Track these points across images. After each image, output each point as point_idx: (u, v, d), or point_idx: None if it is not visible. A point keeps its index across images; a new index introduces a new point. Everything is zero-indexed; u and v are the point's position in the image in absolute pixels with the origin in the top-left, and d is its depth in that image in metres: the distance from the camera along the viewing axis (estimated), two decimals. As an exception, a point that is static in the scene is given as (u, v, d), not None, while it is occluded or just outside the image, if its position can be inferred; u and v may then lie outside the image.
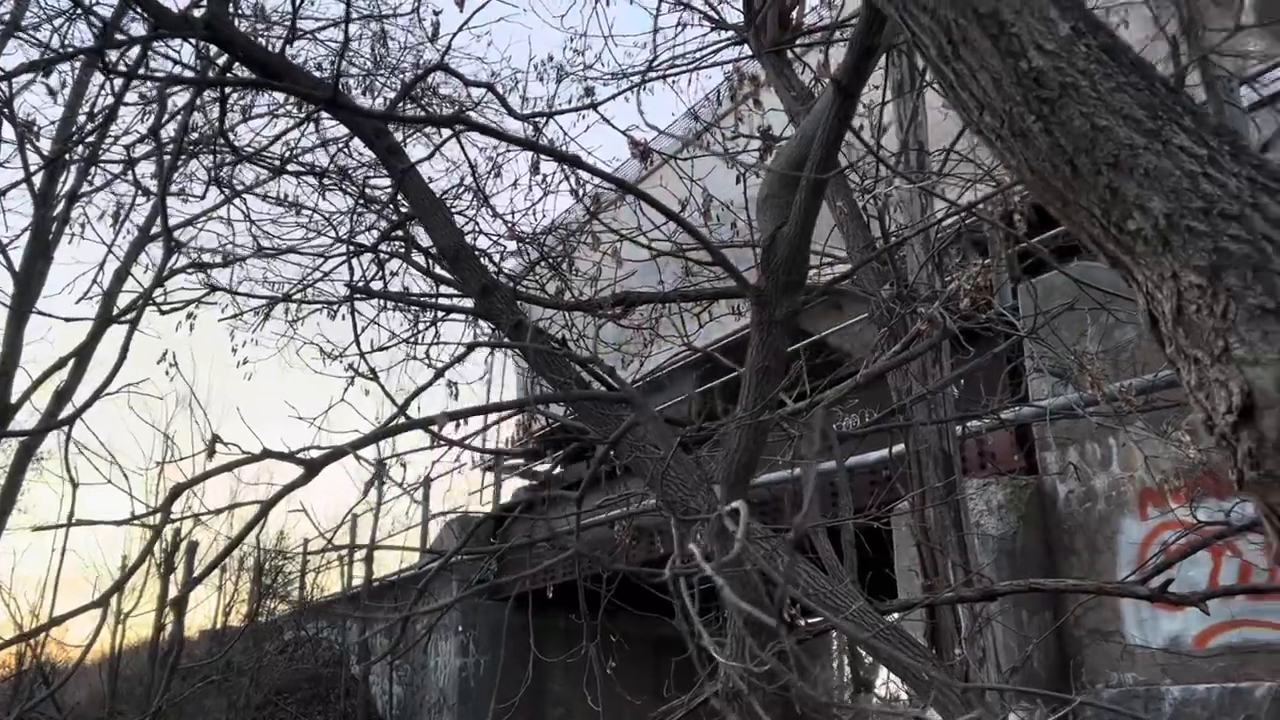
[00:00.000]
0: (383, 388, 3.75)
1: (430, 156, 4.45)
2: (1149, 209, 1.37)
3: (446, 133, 4.19)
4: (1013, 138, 1.45)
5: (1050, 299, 4.78)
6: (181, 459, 4.92)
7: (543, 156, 5.03)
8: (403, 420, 2.42)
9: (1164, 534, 5.14)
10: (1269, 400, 1.30)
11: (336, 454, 2.11)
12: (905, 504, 4.72)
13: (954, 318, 4.18)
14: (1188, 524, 3.87)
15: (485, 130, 3.17)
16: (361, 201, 5.17)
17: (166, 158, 4.09)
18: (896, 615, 4.01)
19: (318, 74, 4.93)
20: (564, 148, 4.90)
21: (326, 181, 5.55)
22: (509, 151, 5.32)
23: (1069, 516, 5.89)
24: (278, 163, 5.58)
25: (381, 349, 4.22)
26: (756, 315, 2.41)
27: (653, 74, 4.47)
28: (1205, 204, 1.34)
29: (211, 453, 2.36)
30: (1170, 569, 3.31)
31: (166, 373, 6.19)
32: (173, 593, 10.66)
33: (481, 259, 4.03)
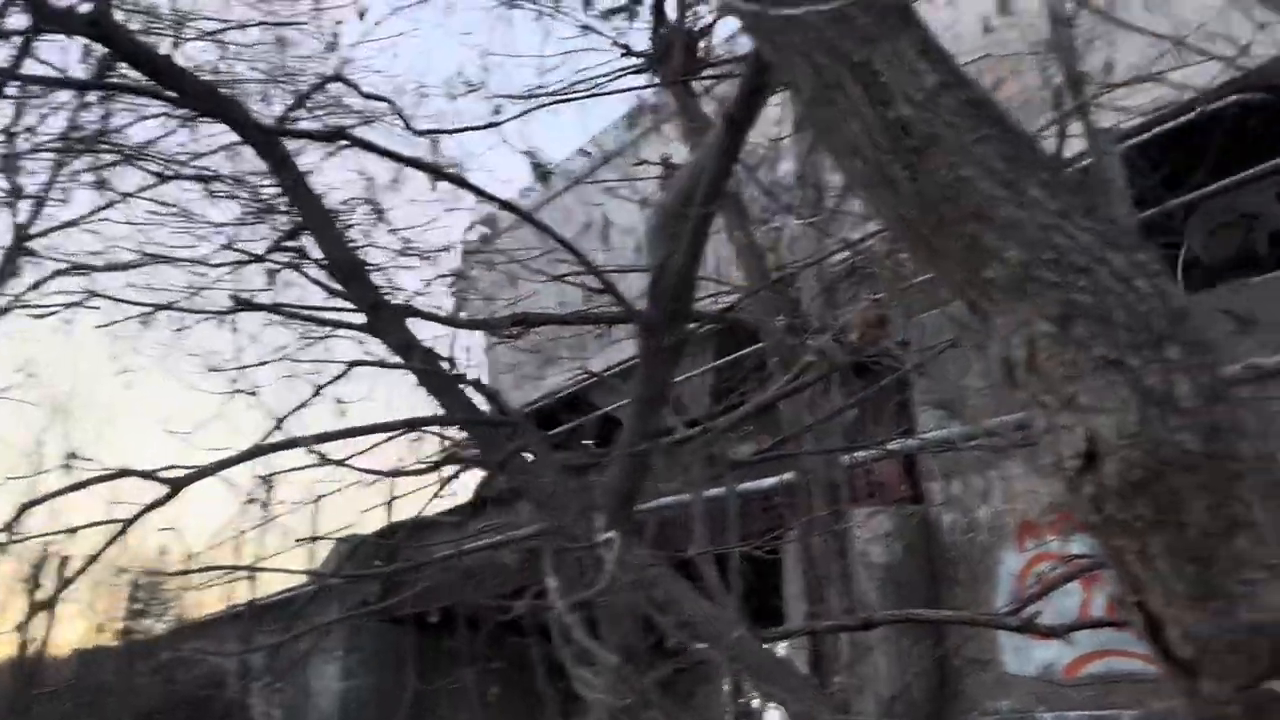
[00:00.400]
0: (262, 403, 3.64)
1: (311, 172, 4.36)
2: (1006, 258, 1.41)
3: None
4: (881, 185, 1.49)
5: (940, 334, 4.93)
6: (39, 474, 4.66)
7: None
8: (277, 439, 2.35)
9: (1040, 565, 5.32)
10: (1110, 448, 1.36)
11: (201, 473, 2.04)
12: (794, 532, 4.79)
13: (844, 351, 4.27)
14: (1061, 556, 4.01)
15: (367, 146, 3.12)
16: (252, 210, 5.05)
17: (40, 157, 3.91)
18: (779, 642, 4.05)
19: (211, 78, 4.79)
20: (466, 166, 4.86)
21: (216, 188, 5.40)
22: (409, 166, 5.25)
23: (952, 546, 6.05)
24: (164, 167, 5.41)
25: (262, 364, 4.11)
26: (643, 344, 2.43)
27: (555, 97, 4.48)
28: (1057, 256, 1.40)
29: (69, 468, 2.26)
30: (1041, 600, 3.42)
31: (30, 378, 5.89)
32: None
33: (375, 274, 3.96)
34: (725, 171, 2.31)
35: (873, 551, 6.09)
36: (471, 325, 3.79)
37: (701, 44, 5.44)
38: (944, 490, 6.04)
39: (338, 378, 3.07)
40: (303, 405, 2.87)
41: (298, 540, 12.53)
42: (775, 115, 4.49)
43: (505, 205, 2.68)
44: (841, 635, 3.97)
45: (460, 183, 3.39)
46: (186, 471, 2.03)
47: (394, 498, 13.69)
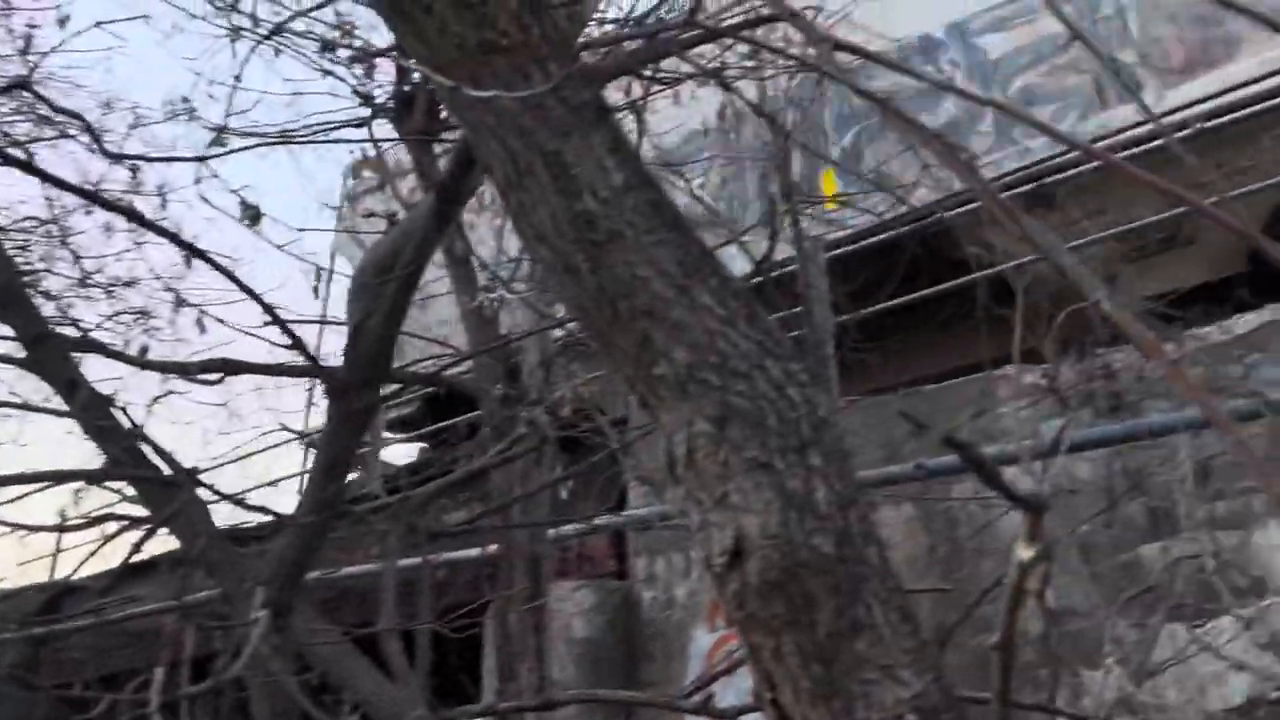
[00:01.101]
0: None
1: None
2: (673, 358, 1.46)
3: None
4: (565, 273, 1.51)
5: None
6: None
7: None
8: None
9: (727, 645, 5.53)
10: (754, 546, 1.42)
11: None
12: (492, 606, 4.72)
13: (556, 424, 4.28)
14: (743, 638, 4.17)
15: (23, 167, 2.82)
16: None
17: None
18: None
19: None
20: (169, 198, 4.50)
21: None
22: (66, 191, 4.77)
23: (651, 623, 6.19)
24: None
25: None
26: (332, 405, 2.32)
27: (279, 138, 4.30)
28: (721, 360, 1.46)
29: None
30: (724, 680, 3.53)
31: None
32: None
33: (50, 303, 3.57)
34: (431, 240, 2.28)
35: (575, 626, 6.12)
36: (158, 366, 3.48)
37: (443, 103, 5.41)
38: (648, 566, 6.19)
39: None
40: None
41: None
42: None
43: (187, 248, 2.50)
44: (526, 715, 3.93)
45: (137, 219, 3.14)
46: None
47: (58, 552, 12.25)
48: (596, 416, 4.21)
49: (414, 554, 3.81)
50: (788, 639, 1.41)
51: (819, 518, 1.42)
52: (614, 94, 4.78)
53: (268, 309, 2.41)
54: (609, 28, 4.29)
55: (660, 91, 4.90)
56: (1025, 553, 1.06)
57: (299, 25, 4.55)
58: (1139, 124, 5.07)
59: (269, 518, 3.16)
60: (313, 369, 2.39)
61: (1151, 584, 3.93)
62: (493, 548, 4.77)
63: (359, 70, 4.54)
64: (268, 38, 3.74)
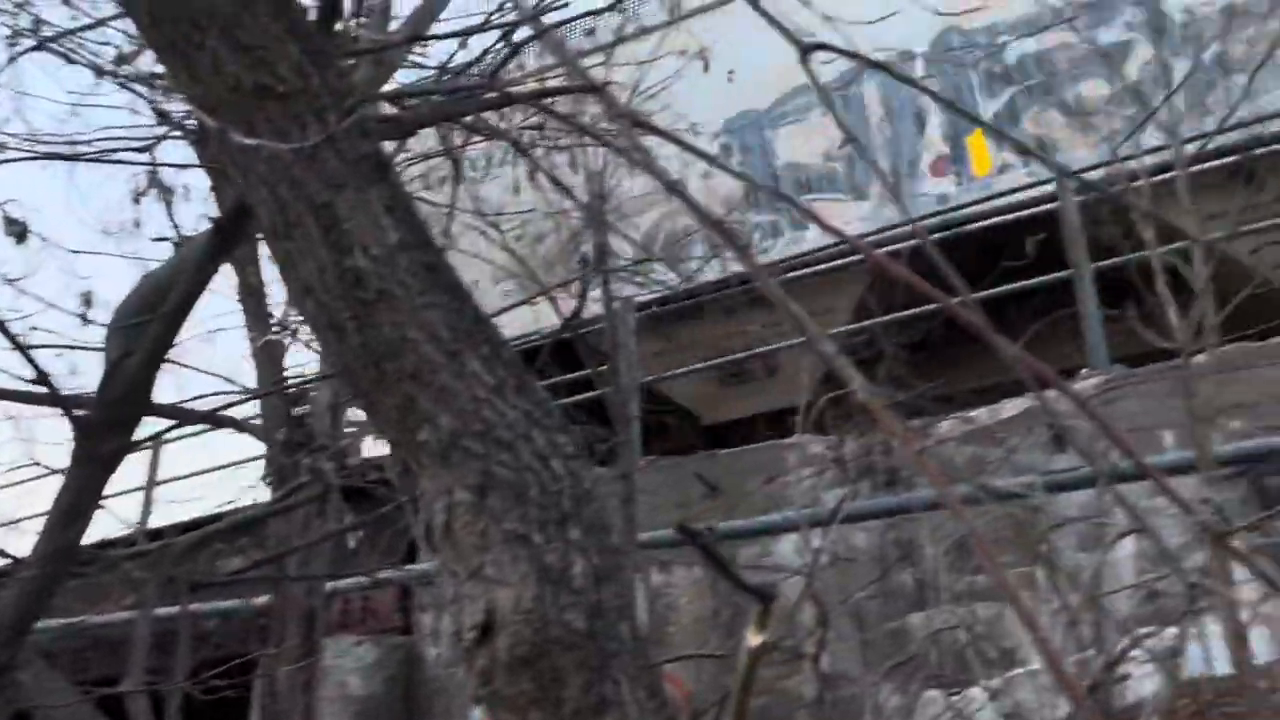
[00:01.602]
0: None
1: None
2: (438, 424, 1.43)
3: None
4: (329, 329, 1.46)
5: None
6: None
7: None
8: None
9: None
10: (505, 621, 1.40)
11: None
12: (261, 661, 4.45)
13: (342, 473, 4.12)
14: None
15: None
16: None
17: None
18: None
19: None
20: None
21: None
22: None
23: (434, 680, 6.00)
24: None
25: None
26: (78, 446, 2.14)
27: (52, 153, 3.99)
28: (485, 429, 1.44)
29: None
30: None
31: None
32: None
33: None
34: (204, 278, 2.16)
35: (353, 683, 5.85)
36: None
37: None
38: (433, 622, 6.01)
39: None
40: None
41: None
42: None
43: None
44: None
45: None
46: None
47: None
48: (386, 466, 4.09)
49: (174, 604, 3.56)
50: (534, 716, 1.39)
51: (574, 592, 1.42)
52: (431, 142, 4.73)
53: (8, 335, 2.20)
54: (429, 74, 4.25)
55: (477, 142, 4.88)
56: (755, 640, 1.09)
57: (94, 35, 4.28)
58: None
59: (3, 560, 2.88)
60: (56, 402, 2.19)
61: (913, 653, 4.13)
62: (264, 600, 4.51)
63: (157, 86, 4.30)
64: (50, 41, 3.49)
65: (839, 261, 5.99)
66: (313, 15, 1.90)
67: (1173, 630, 3.79)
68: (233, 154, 1.45)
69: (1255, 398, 4.53)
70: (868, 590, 5.03)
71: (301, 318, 4.29)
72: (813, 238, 6.45)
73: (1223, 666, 3.43)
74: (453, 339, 1.45)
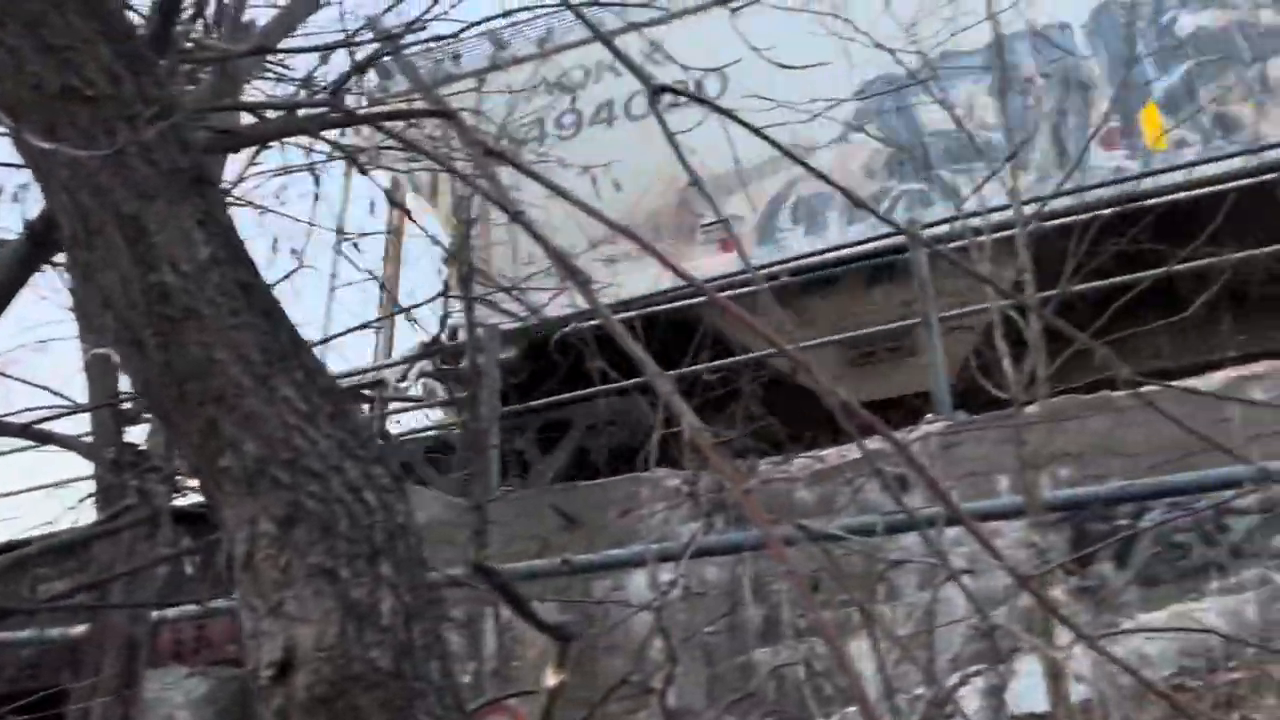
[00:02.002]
0: None
1: None
2: (242, 450, 1.37)
3: None
4: (130, 345, 1.38)
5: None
6: None
7: None
8: None
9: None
10: (305, 659, 1.34)
11: None
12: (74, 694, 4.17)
13: (174, 495, 3.94)
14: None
15: None
16: None
17: None
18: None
19: None
20: None
21: None
22: None
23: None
24: None
25: None
26: None
27: None
28: (294, 457, 1.38)
29: None
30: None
31: None
32: None
33: None
34: (16, 285, 2.03)
35: (180, 717, 5.55)
36: None
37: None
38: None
39: None
40: None
41: None
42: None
43: None
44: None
45: None
46: None
47: None
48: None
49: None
50: (331, 759, 1.34)
51: (381, 630, 1.37)
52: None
53: None
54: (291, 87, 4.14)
55: (336, 156, 4.77)
56: (553, 679, 1.07)
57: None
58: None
59: None
60: None
61: (754, 688, 4.18)
62: (80, 629, 4.24)
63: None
64: None
65: (999, 234, 5.56)
66: (147, 20, 1.83)
67: (1000, 668, 3.96)
68: (34, 156, 1.37)
69: (1081, 447, 4.79)
70: (717, 625, 5.07)
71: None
72: (969, 208, 6.04)
73: (1042, 704, 3.58)
74: (264, 362, 1.39)
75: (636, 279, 6.16)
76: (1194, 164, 5.92)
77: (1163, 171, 5.98)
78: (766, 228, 6.68)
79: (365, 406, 7.23)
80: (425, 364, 7.01)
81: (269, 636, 1.35)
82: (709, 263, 6.10)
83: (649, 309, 5.86)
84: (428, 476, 6.59)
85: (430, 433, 7.14)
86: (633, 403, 6.39)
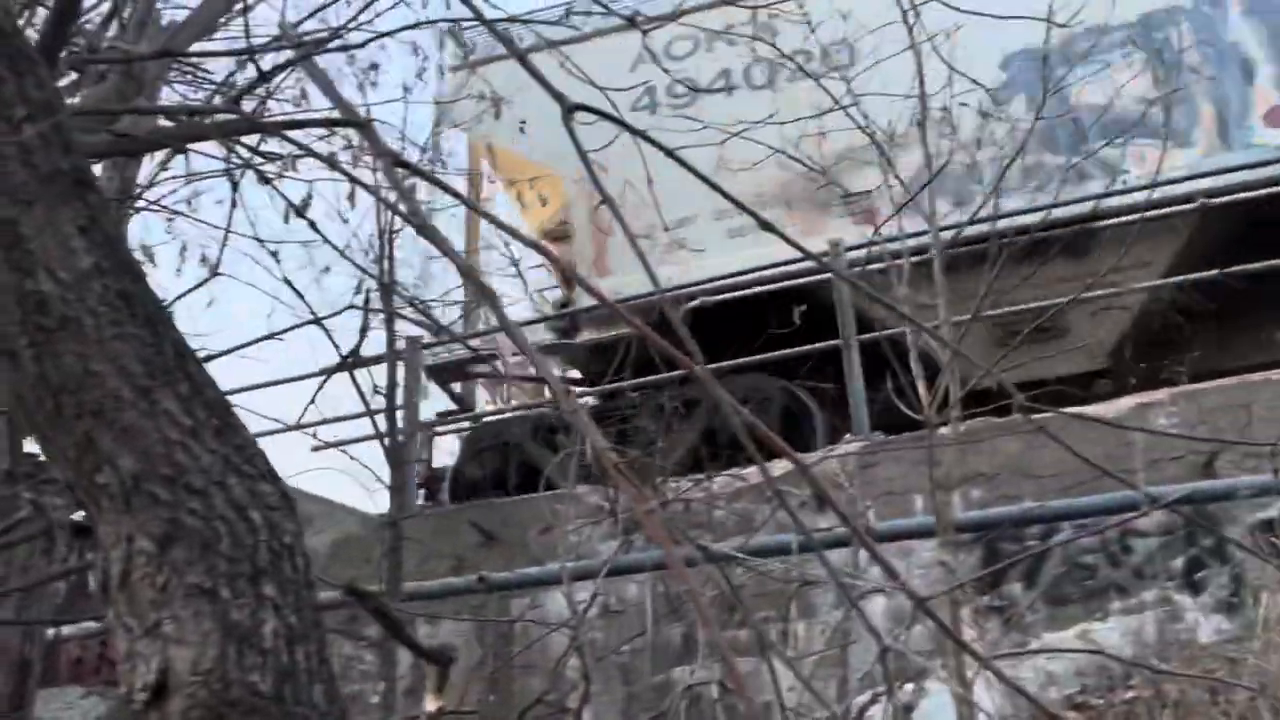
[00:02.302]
0: None
1: None
2: (120, 466, 1.32)
3: None
4: (3, 354, 1.33)
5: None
6: None
7: None
8: None
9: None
10: (181, 683, 1.29)
11: None
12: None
13: (71, 508, 3.81)
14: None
15: None
16: None
17: None
18: None
19: None
20: None
21: None
22: None
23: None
24: None
25: None
26: None
27: None
28: (174, 473, 1.34)
29: None
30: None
31: None
32: None
33: None
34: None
35: (77, 739, 5.35)
36: None
37: None
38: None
39: None
40: None
41: None
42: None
43: None
44: None
45: None
46: None
47: None
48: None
49: None
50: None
51: (262, 652, 1.33)
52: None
53: None
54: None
55: (262, 164, 4.68)
56: (432, 705, 1.05)
57: None
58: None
59: None
60: None
61: (666, 708, 4.18)
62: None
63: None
64: None
65: (1159, 212, 5.31)
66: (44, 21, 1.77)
67: (910, 686, 4.01)
68: (-99, 158, 1.31)
69: (993, 468, 4.90)
70: (635, 643, 5.06)
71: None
72: (1131, 180, 5.70)
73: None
74: (145, 374, 1.35)
75: (762, 252, 6.06)
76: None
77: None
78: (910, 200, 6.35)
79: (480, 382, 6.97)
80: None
81: (144, 658, 1.30)
82: (847, 235, 5.87)
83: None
84: (537, 455, 6.32)
85: (537, 410, 6.75)
86: (764, 381, 6.27)
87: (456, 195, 1.89)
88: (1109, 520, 3.89)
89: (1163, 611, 4.42)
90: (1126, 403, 4.84)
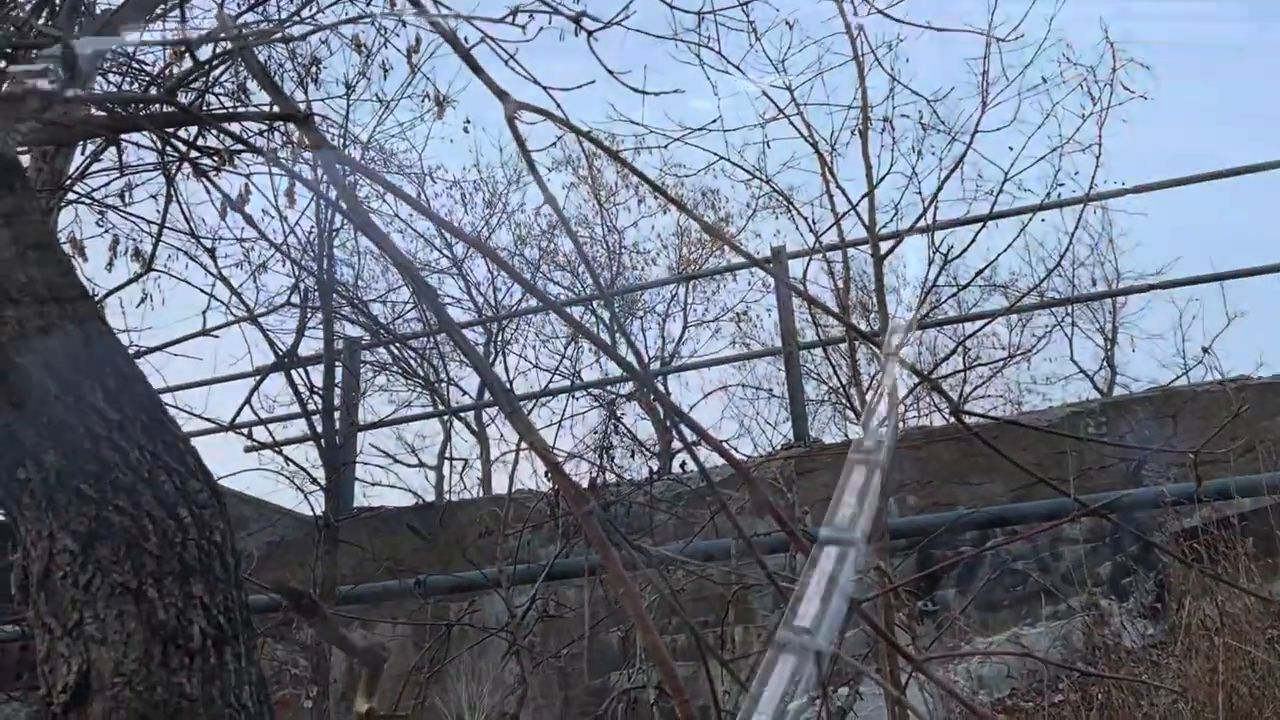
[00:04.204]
0: None
1: None
2: (43, 461, 1.29)
3: None
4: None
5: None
6: None
7: None
8: None
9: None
10: (103, 684, 1.26)
11: None
12: None
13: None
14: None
15: None
16: None
17: None
18: None
19: None
20: None
21: None
22: None
23: (99, 742, 5.41)
24: None
25: None
26: None
27: None
28: (100, 469, 1.31)
29: None
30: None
31: None
32: None
33: None
34: None
35: (-4, 747, 5.17)
36: None
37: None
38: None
39: None
40: None
41: None
42: None
43: None
44: None
45: None
46: None
47: None
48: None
49: None
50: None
51: (189, 654, 1.30)
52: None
53: None
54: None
55: (198, 157, 4.58)
56: (363, 706, 1.04)
57: None
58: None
59: None
60: None
61: (603, 711, 4.17)
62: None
63: None
64: None
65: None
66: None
67: (845, 690, 4.05)
68: None
69: (930, 476, 4.99)
70: (574, 647, 5.04)
71: None
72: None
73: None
74: (72, 368, 1.32)
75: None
76: None
77: None
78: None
79: None
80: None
81: (64, 659, 1.27)
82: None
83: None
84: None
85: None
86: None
87: (398, 192, 1.87)
88: (1040, 526, 3.98)
89: (1090, 616, 4.53)
90: (1062, 411, 4.96)
